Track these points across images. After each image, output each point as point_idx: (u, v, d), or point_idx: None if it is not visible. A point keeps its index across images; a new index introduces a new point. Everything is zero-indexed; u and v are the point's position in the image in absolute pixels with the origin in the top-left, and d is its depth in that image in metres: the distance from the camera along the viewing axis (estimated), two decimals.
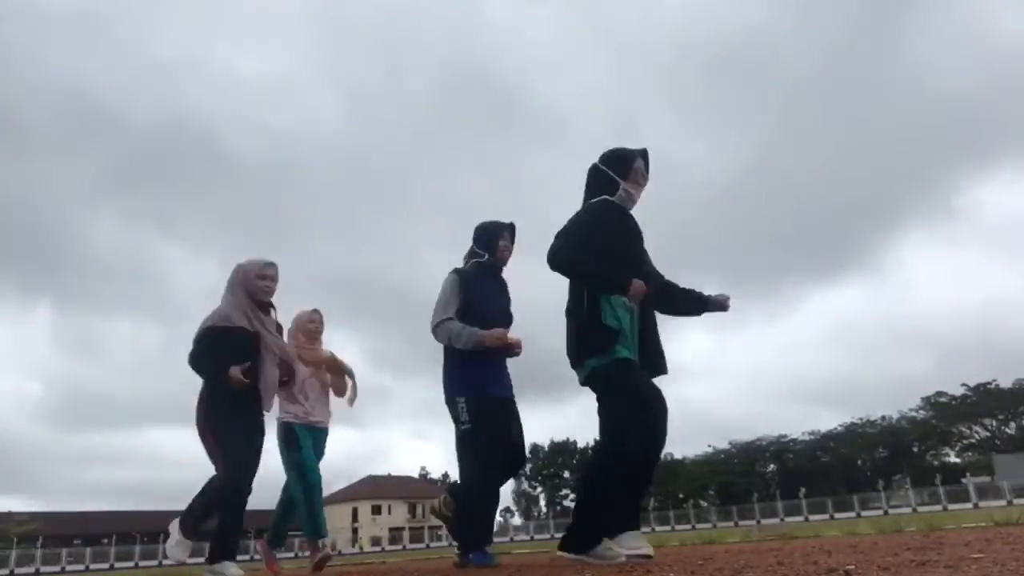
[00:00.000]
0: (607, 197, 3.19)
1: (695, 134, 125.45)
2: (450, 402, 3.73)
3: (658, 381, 3.02)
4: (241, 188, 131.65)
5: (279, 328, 4.09)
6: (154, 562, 44.38)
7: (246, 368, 3.61)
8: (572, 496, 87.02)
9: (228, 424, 3.64)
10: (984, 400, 61.27)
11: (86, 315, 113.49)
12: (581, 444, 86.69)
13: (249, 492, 3.69)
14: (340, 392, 4.88)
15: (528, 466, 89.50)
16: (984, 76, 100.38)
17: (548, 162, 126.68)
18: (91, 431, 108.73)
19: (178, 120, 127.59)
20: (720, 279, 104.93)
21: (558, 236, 3.10)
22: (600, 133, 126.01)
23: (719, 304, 3.33)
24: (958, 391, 62.81)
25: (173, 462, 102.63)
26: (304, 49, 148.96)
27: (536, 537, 53.23)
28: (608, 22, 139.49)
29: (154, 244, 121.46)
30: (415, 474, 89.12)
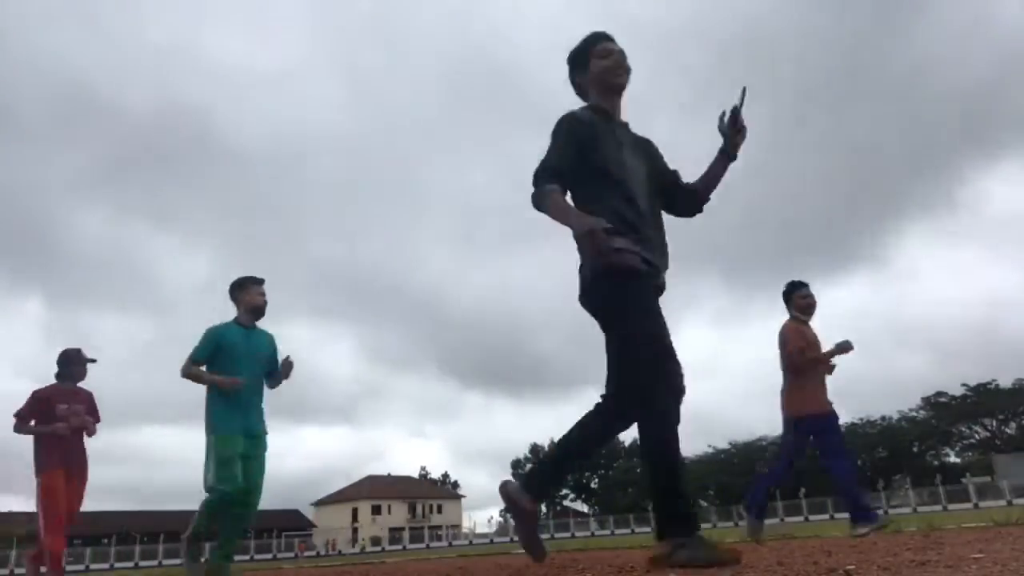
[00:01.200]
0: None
1: (699, 125, 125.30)
2: None
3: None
4: (237, 179, 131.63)
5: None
6: (154, 562, 44.40)
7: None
8: (572, 496, 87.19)
9: None
10: (984, 400, 61.24)
11: (77, 310, 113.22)
12: None
13: None
14: None
15: (528, 466, 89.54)
16: (990, 66, 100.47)
17: None
18: None
19: (173, 109, 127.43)
20: (722, 273, 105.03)
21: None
22: None
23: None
24: (958, 391, 62.85)
25: (170, 461, 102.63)
26: (303, 36, 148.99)
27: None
28: (616, 6, 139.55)
29: (146, 237, 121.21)
30: (415, 474, 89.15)
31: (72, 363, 5.20)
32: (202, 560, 4.50)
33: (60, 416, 5.02)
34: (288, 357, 4.56)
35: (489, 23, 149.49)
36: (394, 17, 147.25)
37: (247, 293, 4.59)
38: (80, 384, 5.27)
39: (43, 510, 4.90)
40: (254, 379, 4.49)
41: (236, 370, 4.35)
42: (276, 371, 4.61)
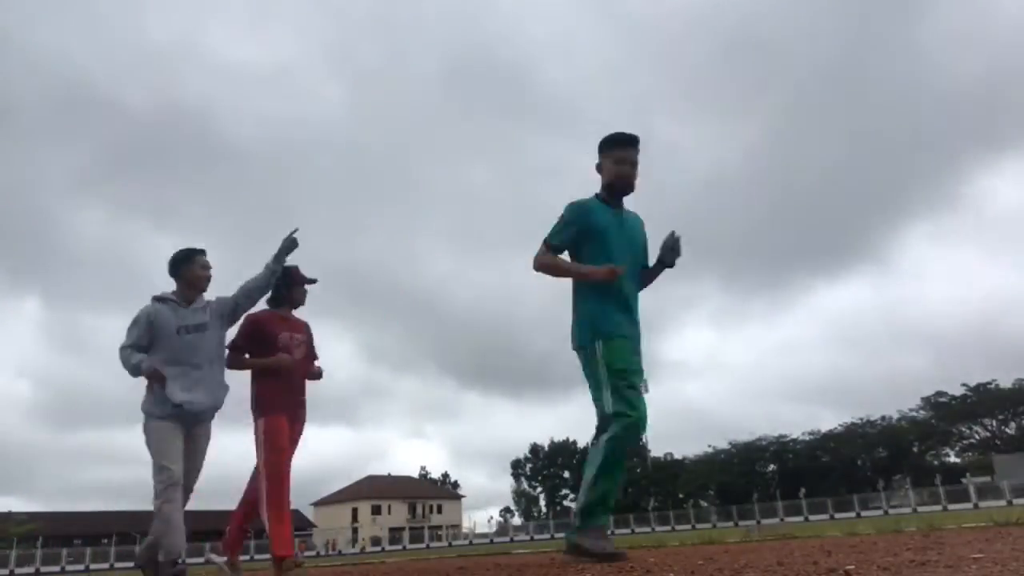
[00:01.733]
0: None
1: (701, 121, 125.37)
2: None
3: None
4: (237, 177, 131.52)
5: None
6: None
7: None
8: (572, 496, 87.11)
9: None
10: (984, 400, 61.28)
11: (75, 310, 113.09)
12: (581, 444, 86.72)
13: None
14: None
15: (528, 466, 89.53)
16: (992, 64, 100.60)
17: (555, 149, 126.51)
18: (84, 430, 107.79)
19: (172, 107, 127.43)
20: (722, 273, 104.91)
21: None
22: (609, 119, 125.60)
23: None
24: (958, 391, 62.91)
25: None
26: (303, 34, 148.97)
27: (536, 537, 53.24)
28: (617, 3, 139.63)
29: (146, 235, 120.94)
30: (415, 474, 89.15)
31: (292, 283, 4.16)
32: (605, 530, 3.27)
33: (282, 347, 4.00)
34: (675, 237, 3.40)
35: (490, 21, 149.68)
36: (394, 15, 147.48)
37: (611, 158, 3.35)
38: (294, 313, 4.23)
39: (267, 467, 3.80)
40: (631, 276, 3.34)
41: (609, 261, 3.23)
42: (648, 266, 3.46)
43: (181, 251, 3.95)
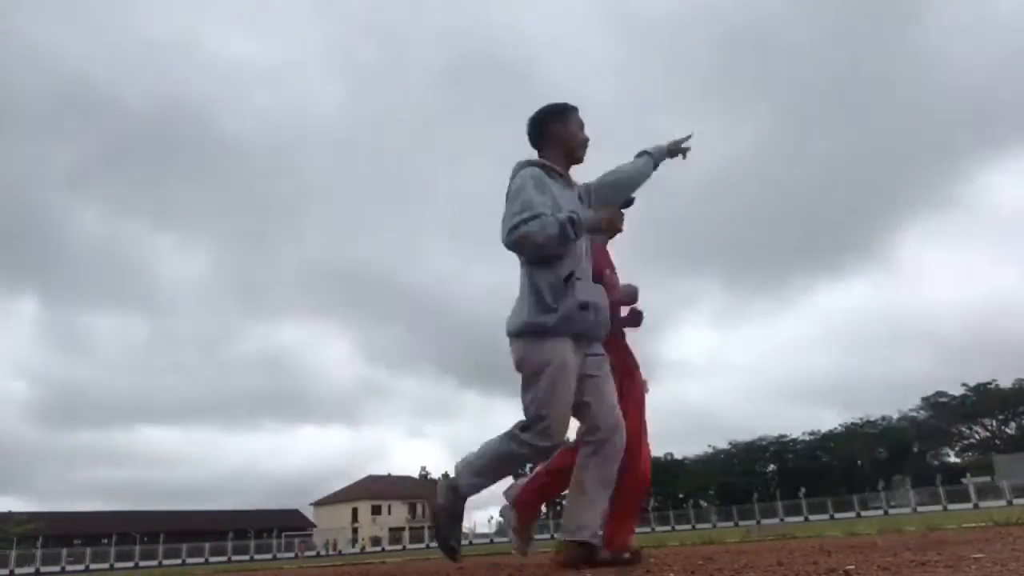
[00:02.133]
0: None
1: (702, 121, 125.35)
2: None
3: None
4: (235, 176, 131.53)
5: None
6: (154, 562, 44.38)
7: None
8: None
9: None
10: (984, 400, 61.35)
11: (73, 309, 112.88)
12: None
13: None
14: None
15: (528, 466, 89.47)
16: (993, 62, 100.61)
17: None
18: (82, 430, 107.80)
19: (170, 105, 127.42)
20: (722, 273, 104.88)
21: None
22: (610, 117, 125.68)
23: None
24: (958, 391, 62.95)
25: (168, 461, 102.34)
26: (302, 31, 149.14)
27: (536, 537, 53.14)
28: (618, 3, 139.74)
29: (144, 233, 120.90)
30: (415, 474, 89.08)
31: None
32: None
33: (610, 287, 2.93)
34: None
35: (491, 21, 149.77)
36: (394, 12, 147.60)
37: None
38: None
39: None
40: None
41: None
42: None
43: (551, 105, 2.74)
